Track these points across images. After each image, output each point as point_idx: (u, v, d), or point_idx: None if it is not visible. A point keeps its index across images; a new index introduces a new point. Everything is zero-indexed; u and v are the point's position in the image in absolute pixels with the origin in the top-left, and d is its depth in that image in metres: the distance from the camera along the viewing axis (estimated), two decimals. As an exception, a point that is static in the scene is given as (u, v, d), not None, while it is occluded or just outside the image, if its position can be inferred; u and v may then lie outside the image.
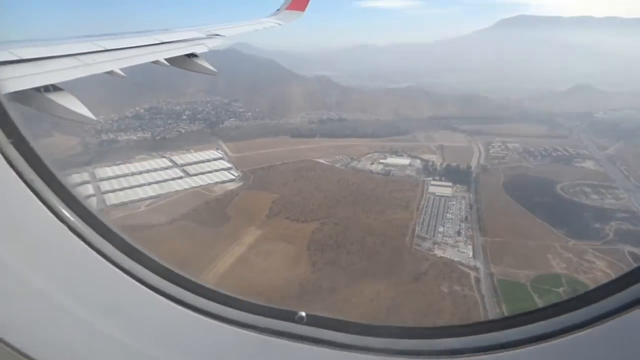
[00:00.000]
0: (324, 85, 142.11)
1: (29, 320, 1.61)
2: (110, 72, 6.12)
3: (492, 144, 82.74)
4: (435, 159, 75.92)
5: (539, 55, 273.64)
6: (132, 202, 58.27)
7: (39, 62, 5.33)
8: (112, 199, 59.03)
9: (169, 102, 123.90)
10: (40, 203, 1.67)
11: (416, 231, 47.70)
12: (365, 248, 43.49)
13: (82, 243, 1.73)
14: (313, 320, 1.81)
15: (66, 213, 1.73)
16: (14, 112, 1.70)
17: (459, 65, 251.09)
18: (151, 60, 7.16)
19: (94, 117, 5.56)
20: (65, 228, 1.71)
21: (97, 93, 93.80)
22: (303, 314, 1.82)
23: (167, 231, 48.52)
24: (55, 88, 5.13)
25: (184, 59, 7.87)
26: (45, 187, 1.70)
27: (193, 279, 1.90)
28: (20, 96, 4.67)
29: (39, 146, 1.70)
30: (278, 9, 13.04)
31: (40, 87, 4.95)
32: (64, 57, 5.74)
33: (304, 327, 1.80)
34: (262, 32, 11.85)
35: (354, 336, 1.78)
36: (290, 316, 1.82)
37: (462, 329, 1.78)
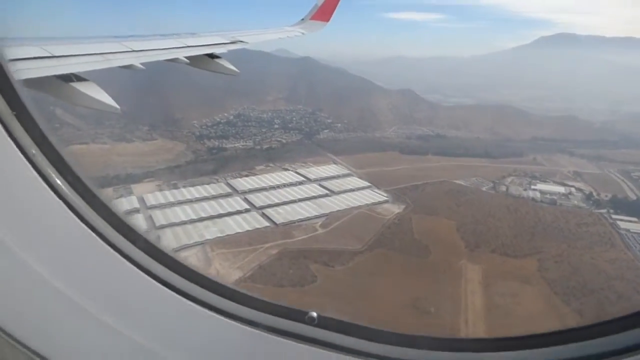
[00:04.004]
0: (409, 98, 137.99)
1: (29, 309, 1.57)
2: (130, 66, 6.52)
3: (633, 174, 77.73)
4: (584, 187, 71.37)
5: (591, 74, 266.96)
6: (300, 221, 54.33)
7: (67, 59, 5.60)
8: (275, 216, 55.14)
9: (253, 109, 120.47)
10: (39, 179, 1.59)
11: (658, 276, 43.09)
12: (625, 297, 38.89)
13: (82, 225, 1.64)
14: (324, 322, 1.72)
15: (65, 190, 1.64)
16: (19, 85, 1.64)
17: (511, 81, 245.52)
18: (170, 58, 7.50)
19: (118, 107, 5.56)
20: (64, 206, 1.61)
21: (186, 97, 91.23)
22: (314, 314, 1.73)
23: (374, 260, 44.45)
24: (79, 79, 5.31)
25: (204, 59, 8.14)
26: (46, 162, 1.62)
27: (201, 272, 1.81)
28: (45, 85, 4.97)
29: (43, 121, 1.65)
30: (302, 19, 13.13)
31: (65, 75, 5.17)
32: (91, 55, 6.07)
33: (314, 329, 1.71)
34: (292, 39, 12.43)
35: (368, 342, 1.67)
36: (300, 316, 1.74)
37: (489, 343, 1.70)
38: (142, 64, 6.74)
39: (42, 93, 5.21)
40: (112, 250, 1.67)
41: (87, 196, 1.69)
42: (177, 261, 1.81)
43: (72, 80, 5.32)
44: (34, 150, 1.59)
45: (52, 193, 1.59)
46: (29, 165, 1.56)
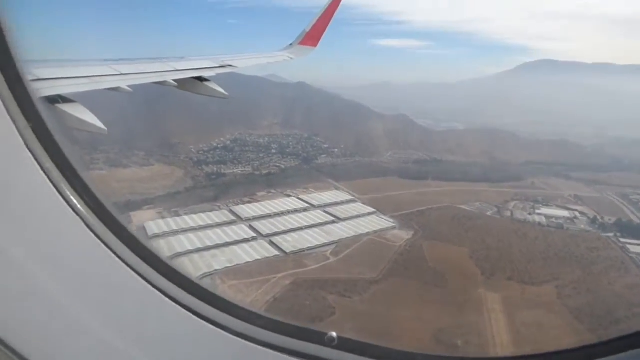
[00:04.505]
0: (403, 123, 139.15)
1: (31, 320, 1.54)
2: (117, 89, 6.52)
3: (632, 197, 78.61)
4: (587, 211, 71.79)
5: (574, 99, 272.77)
6: (310, 249, 52.97)
7: (53, 81, 5.60)
8: (284, 244, 53.71)
9: (250, 134, 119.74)
10: (56, 192, 1.58)
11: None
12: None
13: (96, 239, 1.63)
14: (344, 344, 1.71)
15: (79, 206, 1.63)
16: (36, 96, 1.61)
17: (498, 106, 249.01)
18: (158, 81, 7.52)
19: (105, 128, 5.47)
20: (80, 220, 1.61)
21: (181, 122, 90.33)
22: (334, 335, 1.71)
23: (391, 290, 43.32)
24: (65, 100, 5.28)
25: (192, 82, 8.16)
26: (60, 176, 1.63)
27: (214, 291, 1.80)
28: None
29: (59, 134, 1.65)
30: (291, 44, 13.36)
31: (50, 97, 5.14)
32: (77, 78, 6.09)
33: (334, 351, 1.70)
34: (281, 65, 12.90)
35: None
36: (319, 338, 1.72)
37: None
38: (129, 86, 6.78)
39: None
40: (127, 268, 1.62)
41: (98, 211, 1.64)
42: (188, 279, 1.76)
43: (57, 102, 5.26)
44: (49, 164, 1.57)
45: (65, 204, 1.56)
46: (46, 178, 1.54)
